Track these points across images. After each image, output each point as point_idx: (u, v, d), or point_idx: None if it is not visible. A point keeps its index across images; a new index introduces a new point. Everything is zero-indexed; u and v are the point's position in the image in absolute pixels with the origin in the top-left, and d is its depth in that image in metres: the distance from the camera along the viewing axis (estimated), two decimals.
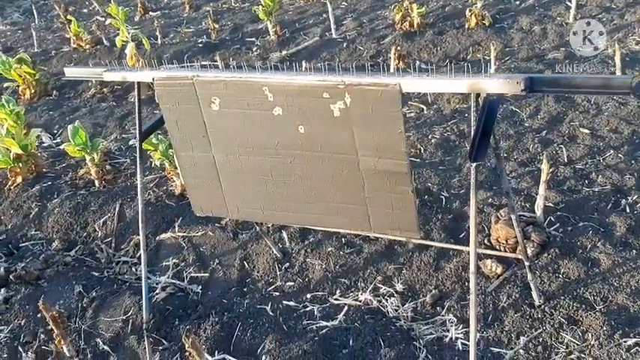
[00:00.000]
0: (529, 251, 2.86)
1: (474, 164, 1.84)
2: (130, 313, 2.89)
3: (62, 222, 3.66)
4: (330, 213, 2.26)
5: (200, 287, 3.07)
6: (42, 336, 2.86)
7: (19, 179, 4.08)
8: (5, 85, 5.55)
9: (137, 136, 2.39)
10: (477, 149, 1.81)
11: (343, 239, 3.16)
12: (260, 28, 6.21)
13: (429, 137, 3.97)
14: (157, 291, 3.07)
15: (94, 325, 2.91)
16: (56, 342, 2.59)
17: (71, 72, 2.41)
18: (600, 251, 2.81)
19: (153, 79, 2.17)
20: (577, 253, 2.83)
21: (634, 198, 3.11)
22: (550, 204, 3.14)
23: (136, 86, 2.29)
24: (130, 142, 4.49)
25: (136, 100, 2.32)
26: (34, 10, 8.29)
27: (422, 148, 3.88)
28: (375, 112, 1.95)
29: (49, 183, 4.03)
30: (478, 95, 1.84)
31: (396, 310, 2.73)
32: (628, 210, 3.05)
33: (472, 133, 1.85)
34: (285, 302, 2.87)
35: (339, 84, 1.95)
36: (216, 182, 2.32)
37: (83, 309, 3.01)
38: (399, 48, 4.95)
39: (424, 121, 4.20)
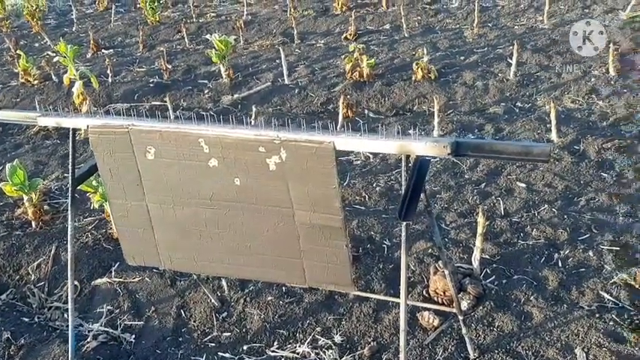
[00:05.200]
0: (465, 303, 2.90)
1: (404, 223, 1.87)
2: None
3: None
4: (264, 265, 2.25)
5: (134, 336, 2.99)
6: None
7: None
8: None
9: (70, 182, 2.34)
10: (407, 208, 1.85)
11: (284, 288, 3.14)
12: (213, 71, 6.24)
13: (374, 185, 4.03)
14: (89, 339, 2.98)
15: None
16: None
17: (3, 115, 2.36)
18: (533, 305, 2.88)
19: (87, 126, 2.15)
20: (511, 307, 2.89)
21: (566, 252, 3.22)
22: (487, 256, 3.21)
23: (70, 133, 2.26)
24: None
25: (70, 146, 2.29)
26: None
27: (367, 196, 3.93)
28: (310, 167, 1.97)
29: None
30: (409, 156, 1.89)
31: None
32: (560, 264, 3.15)
33: (402, 192, 1.89)
34: (220, 354, 2.82)
35: (275, 139, 1.97)
36: (149, 231, 2.29)
37: (10, 357, 2.88)
38: (348, 97, 5.06)
39: (370, 170, 4.27)
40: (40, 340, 2.99)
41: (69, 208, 2.41)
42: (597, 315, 2.79)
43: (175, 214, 2.22)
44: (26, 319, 3.18)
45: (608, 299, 2.88)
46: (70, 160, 2.32)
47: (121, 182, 2.22)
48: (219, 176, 2.10)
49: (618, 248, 3.21)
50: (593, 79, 5.22)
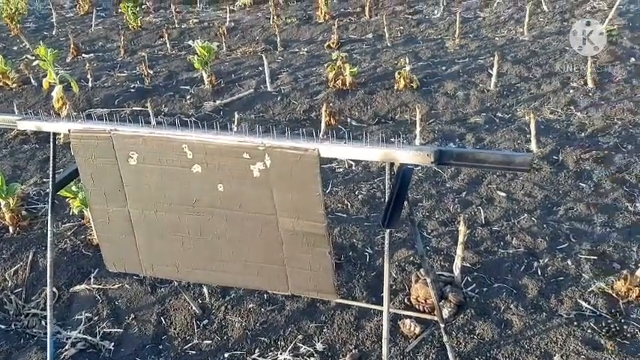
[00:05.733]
0: (446, 311, 2.92)
1: (388, 230, 1.88)
2: None
3: None
4: (247, 272, 2.24)
5: (113, 344, 2.94)
6: None
7: None
8: None
9: (50, 187, 2.31)
10: (390, 216, 1.86)
11: (265, 295, 3.13)
12: (195, 77, 6.22)
13: (356, 193, 4.04)
14: (67, 347, 2.92)
15: None
16: None
17: None
18: (513, 313, 2.91)
19: (69, 130, 2.12)
20: (491, 315, 2.91)
21: (545, 261, 3.26)
22: (467, 264, 3.24)
23: (51, 137, 2.23)
24: None
25: (51, 151, 2.26)
26: None
27: (349, 204, 3.94)
28: (294, 174, 1.97)
29: None
30: (392, 164, 1.90)
31: None
32: (539, 273, 3.18)
33: (386, 200, 1.90)
34: None
35: (259, 145, 1.97)
36: (130, 238, 2.26)
37: None
38: (331, 105, 5.08)
39: (352, 177, 4.28)
40: (17, 347, 2.94)
41: (49, 213, 2.37)
42: (575, 323, 2.82)
43: (158, 221, 2.20)
44: (3, 327, 3.11)
45: (586, 307, 2.92)
46: (51, 165, 2.29)
47: (102, 188, 2.19)
48: (203, 182, 2.09)
49: (596, 257, 3.26)
50: (571, 91, 5.31)
